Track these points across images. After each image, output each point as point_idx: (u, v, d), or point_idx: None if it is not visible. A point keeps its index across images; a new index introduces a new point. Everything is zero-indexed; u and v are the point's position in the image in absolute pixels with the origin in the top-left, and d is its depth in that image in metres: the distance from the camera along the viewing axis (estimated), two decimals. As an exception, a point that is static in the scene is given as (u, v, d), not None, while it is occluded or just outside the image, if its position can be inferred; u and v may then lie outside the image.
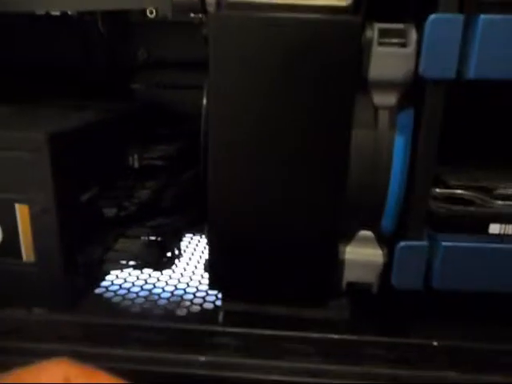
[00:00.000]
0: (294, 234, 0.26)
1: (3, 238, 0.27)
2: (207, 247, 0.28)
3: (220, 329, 0.26)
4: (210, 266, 0.28)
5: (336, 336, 0.25)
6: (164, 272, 0.35)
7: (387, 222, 0.25)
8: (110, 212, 0.32)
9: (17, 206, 0.26)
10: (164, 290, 0.33)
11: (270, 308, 0.29)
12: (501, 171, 0.28)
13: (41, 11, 0.27)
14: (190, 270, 0.36)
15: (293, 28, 0.22)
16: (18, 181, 0.26)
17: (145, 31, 0.44)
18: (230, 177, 0.25)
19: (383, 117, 0.24)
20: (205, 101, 0.26)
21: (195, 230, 0.42)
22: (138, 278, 0.34)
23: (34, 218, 0.26)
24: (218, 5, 0.23)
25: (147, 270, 0.35)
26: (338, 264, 0.26)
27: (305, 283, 0.28)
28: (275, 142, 0.24)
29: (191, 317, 0.30)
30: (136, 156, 0.37)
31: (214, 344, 0.25)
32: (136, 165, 0.37)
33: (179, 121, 0.43)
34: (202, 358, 0.23)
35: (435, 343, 0.22)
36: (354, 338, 0.24)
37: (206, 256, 0.29)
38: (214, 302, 0.31)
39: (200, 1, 0.25)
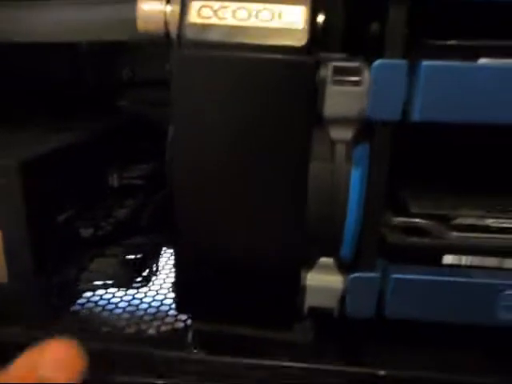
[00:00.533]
0: (258, 260, 0.27)
1: (-22, 261, 0.28)
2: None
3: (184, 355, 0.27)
4: (176, 289, 0.29)
5: (294, 364, 0.25)
6: (140, 290, 0.36)
7: (346, 251, 0.26)
8: (86, 232, 0.33)
9: (-9, 230, 0.27)
10: (138, 309, 0.34)
11: (237, 329, 0.30)
12: (469, 195, 0.29)
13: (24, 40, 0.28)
14: (166, 287, 0.37)
15: (252, 67, 0.23)
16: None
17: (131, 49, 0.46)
18: (195, 203, 0.26)
19: (340, 150, 0.24)
20: (170, 131, 0.27)
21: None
22: (113, 296, 0.35)
23: (7, 244, 0.27)
24: (179, 42, 0.24)
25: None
26: (300, 290, 0.27)
27: (270, 306, 0.28)
28: (237, 174, 0.25)
29: (159, 338, 0.31)
30: (115, 175, 0.38)
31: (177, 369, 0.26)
32: (115, 184, 0.38)
33: (162, 137, 0.44)
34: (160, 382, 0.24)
35: (382, 372, 0.23)
36: (313, 366, 0.25)
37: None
38: (185, 322, 0.32)
39: (164, 35, 0.26)
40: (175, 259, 0.28)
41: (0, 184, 0.26)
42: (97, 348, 0.27)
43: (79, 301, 0.34)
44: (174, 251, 0.28)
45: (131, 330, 0.31)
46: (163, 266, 0.40)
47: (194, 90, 0.24)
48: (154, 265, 0.37)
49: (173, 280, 0.38)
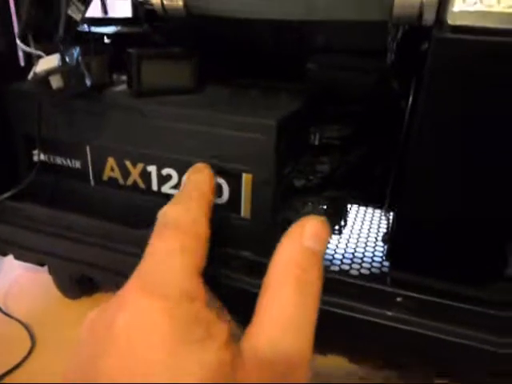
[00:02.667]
0: (475, 227, 0.30)
1: (229, 197, 0.35)
2: (386, 222, 0.33)
3: (393, 290, 0.32)
4: (391, 240, 0.33)
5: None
6: (334, 237, 0.41)
7: None
8: (299, 183, 0.39)
9: (244, 175, 0.34)
10: (336, 252, 0.40)
11: (433, 281, 0.34)
12: None
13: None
14: (354, 238, 0.42)
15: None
16: (247, 155, 0.33)
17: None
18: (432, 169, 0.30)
19: None
20: (410, 103, 0.30)
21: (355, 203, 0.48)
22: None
23: (255, 186, 0.34)
24: (440, 25, 0.27)
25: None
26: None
27: (471, 265, 0.32)
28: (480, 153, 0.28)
29: (363, 277, 0.36)
30: (317, 135, 0.43)
31: (394, 302, 0.31)
32: (316, 142, 0.43)
33: (348, 101, 0.48)
34: (389, 313, 0.29)
35: None
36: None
37: (366, 225, 0.34)
38: (380, 268, 0.37)
39: (417, 18, 0.29)
40: (396, 216, 0.33)
41: (259, 138, 0.32)
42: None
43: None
44: (397, 209, 0.32)
45: (335, 268, 0.37)
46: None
47: (452, 76, 0.27)
48: (345, 217, 0.42)
49: (372, 232, 0.44)
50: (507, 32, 0.25)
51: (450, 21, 0.26)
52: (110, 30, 0.49)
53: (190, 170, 0.30)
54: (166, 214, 0.26)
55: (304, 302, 0.21)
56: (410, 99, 0.33)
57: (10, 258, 0.42)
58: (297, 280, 0.22)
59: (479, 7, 0.26)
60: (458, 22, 0.26)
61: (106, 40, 0.48)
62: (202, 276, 0.23)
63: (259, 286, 0.32)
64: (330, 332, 0.25)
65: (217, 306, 0.24)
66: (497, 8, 0.25)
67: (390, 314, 0.30)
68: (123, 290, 0.21)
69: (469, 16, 0.26)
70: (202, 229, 0.25)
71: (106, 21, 0.53)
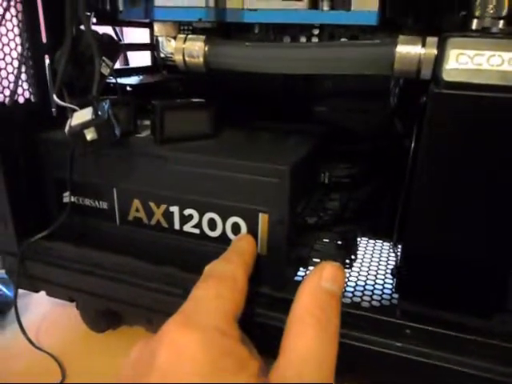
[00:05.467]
0: (479, 261, 0.32)
1: (247, 235, 0.38)
2: (394, 255, 0.36)
3: (402, 322, 0.34)
4: (399, 273, 0.36)
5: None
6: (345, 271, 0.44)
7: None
8: (311, 220, 0.42)
9: (260, 214, 0.37)
10: (347, 285, 0.42)
11: (441, 313, 0.36)
12: None
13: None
14: (364, 271, 0.44)
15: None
16: (262, 197, 0.36)
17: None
18: (432, 212, 0.33)
19: None
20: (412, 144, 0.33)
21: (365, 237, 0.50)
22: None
23: (271, 225, 0.37)
24: (436, 81, 0.30)
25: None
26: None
27: (475, 296, 0.34)
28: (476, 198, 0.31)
29: (374, 309, 0.38)
30: (327, 174, 0.46)
31: (403, 334, 0.33)
32: (326, 181, 0.46)
33: (355, 140, 0.51)
34: (398, 344, 0.31)
35: None
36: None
37: (375, 258, 0.36)
38: (390, 300, 0.39)
39: (416, 73, 0.32)
40: (402, 250, 0.35)
41: (274, 182, 0.35)
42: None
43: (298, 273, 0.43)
44: (403, 243, 0.35)
45: (347, 301, 0.39)
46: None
47: (448, 125, 0.30)
48: (355, 250, 0.45)
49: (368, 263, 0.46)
50: (496, 88, 0.28)
51: (445, 77, 0.29)
52: (134, 80, 0.53)
53: (237, 238, 0.37)
54: (209, 268, 0.31)
55: (325, 338, 0.24)
56: (413, 142, 0.36)
57: (41, 294, 0.44)
58: (318, 319, 0.24)
59: (471, 65, 0.29)
60: (452, 79, 0.29)
61: (128, 88, 0.52)
62: (236, 321, 0.26)
63: (278, 319, 0.35)
64: (343, 363, 0.27)
65: (249, 347, 0.27)
66: (486, 66, 0.28)
67: (399, 345, 0.32)
68: (163, 327, 0.24)
69: (462, 73, 0.29)
70: (239, 282, 0.29)
71: (127, 71, 0.57)
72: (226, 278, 0.29)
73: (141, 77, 0.55)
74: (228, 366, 0.22)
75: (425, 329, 0.33)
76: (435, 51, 0.31)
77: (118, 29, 0.60)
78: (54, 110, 0.46)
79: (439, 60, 0.30)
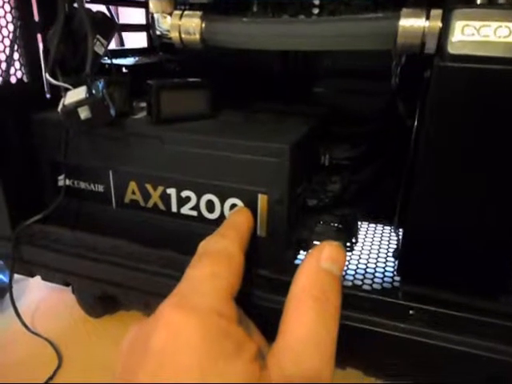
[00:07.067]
0: (484, 240, 0.32)
1: (246, 217, 0.37)
2: (396, 237, 0.35)
3: (405, 303, 0.34)
4: (401, 255, 0.35)
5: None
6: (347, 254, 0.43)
7: None
8: (311, 202, 0.41)
9: (259, 195, 0.36)
10: (348, 268, 0.41)
11: (446, 294, 0.35)
12: None
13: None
14: (365, 253, 0.44)
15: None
16: (262, 177, 0.35)
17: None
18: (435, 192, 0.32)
19: None
20: (415, 124, 0.32)
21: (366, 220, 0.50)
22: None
23: (270, 206, 0.36)
24: (441, 54, 0.29)
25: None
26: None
27: (481, 276, 0.33)
28: (478, 178, 0.30)
29: (376, 291, 0.37)
30: (327, 156, 0.45)
31: (407, 315, 0.32)
32: (326, 163, 0.45)
33: (356, 122, 0.50)
34: (402, 325, 0.31)
35: None
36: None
37: (376, 242, 0.35)
38: (391, 283, 0.39)
39: (420, 47, 0.31)
40: (404, 231, 0.34)
41: (274, 161, 0.34)
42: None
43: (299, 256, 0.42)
44: (405, 225, 0.34)
45: (348, 283, 0.39)
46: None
47: (453, 100, 0.29)
48: (356, 234, 0.44)
49: (383, 248, 0.45)
50: (503, 60, 0.27)
51: (450, 50, 0.28)
52: (130, 61, 0.51)
53: (232, 211, 0.36)
54: (204, 245, 0.30)
55: (324, 320, 0.23)
56: (416, 121, 0.35)
57: (36, 278, 0.44)
58: (317, 300, 0.24)
59: (477, 37, 0.28)
60: (458, 51, 0.28)
61: (125, 70, 0.51)
62: (233, 299, 0.25)
63: (278, 302, 0.34)
64: (345, 345, 0.26)
65: (248, 326, 0.26)
66: (493, 38, 0.27)
67: (402, 326, 0.31)
68: (159, 308, 0.23)
69: (468, 45, 0.28)
70: (235, 259, 0.28)
71: (123, 52, 0.56)
72: (222, 255, 0.28)
73: (137, 58, 0.54)
74: (225, 349, 0.21)
75: (428, 309, 0.33)
76: (440, 24, 0.30)
77: (113, 10, 0.58)
78: (47, 90, 0.45)
79: (444, 32, 0.29)
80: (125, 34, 0.65)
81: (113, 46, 0.58)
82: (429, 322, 0.32)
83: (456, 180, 0.31)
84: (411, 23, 0.31)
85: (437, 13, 0.30)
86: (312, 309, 0.24)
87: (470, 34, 0.28)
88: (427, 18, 0.30)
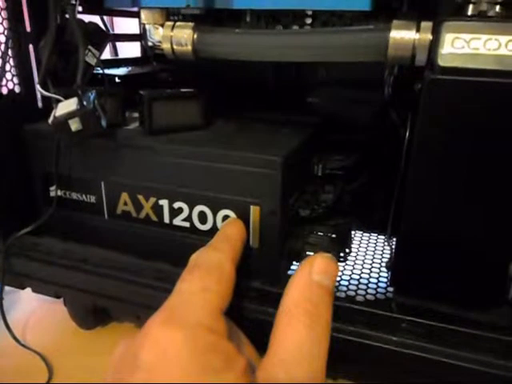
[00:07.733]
0: (476, 252, 0.32)
1: (238, 228, 0.37)
2: (388, 248, 0.35)
3: (398, 316, 0.34)
4: (394, 267, 0.35)
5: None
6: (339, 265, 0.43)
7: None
8: (304, 212, 0.41)
9: (252, 207, 0.36)
10: (341, 279, 0.41)
11: (439, 306, 0.35)
12: None
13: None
14: (359, 264, 0.43)
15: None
16: (255, 188, 0.35)
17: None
18: (429, 203, 0.32)
19: None
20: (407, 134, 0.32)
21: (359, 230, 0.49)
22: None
23: (263, 217, 0.36)
24: (432, 66, 0.29)
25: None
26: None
27: (474, 288, 0.33)
28: (474, 188, 0.30)
29: (369, 303, 0.37)
30: (320, 166, 0.45)
31: (399, 328, 0.32)
32: (319, 173, 0.45)
33: (349, 131, 0.50)
34: (394, 338, 0.30)
35: None
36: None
37: (370, 252, 0.35)
38: (385, 294, 0.38)
39: (410, 59, 0.31)
40: (397, 242, 0.34)
41: (267, 173, 0.34)
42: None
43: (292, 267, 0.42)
44: (398, 236, 0.34)
45: (341, 295, 0.38)
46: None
47: (444, 112, 0.29)
48: (349, 244, 0.44)
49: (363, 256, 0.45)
50: (493, 72, 0.27)
51: (441, 62, 0.28)
52: (122, 71, 0.51)
53: (225, 223, 0.35)
54: (195, 258, 0.29)
55: (315, 333, 0.23)
56: (408, 131, 0.35)
57: (27, 290, 0.43)
58: (308, 314, 0.23)
59: (467, 50, 0.28)
60: (448, 64, 0.28)
61: (117, 80, 0.51)
62: (223, 313, 0.25)
63: (271, 314, 0.34)
64: (337, 357, 0.26)
65: (239, 338, 0.26)
66: (483, 50, 0.27)
67: (395, 339, 0.31)
68: (147, 324, 0.23)
69: (458, 58, 0.28)
70: (226, 272, 0.28)
71: (116, 62, 0.56)
72: (213, 268, 0.27)
73: (130, 68, 0.54)
74: (214, 364, 0.21)
75: (421, 322, 0.33)
76: (430, 36, 0.30)
77: (107, 20, 0.58)
78: (39, 101, 0.45)
79: (434, 45, 0.29)
80: (120, 44, 0.65)
81: (107, 55, 0.58)
82: (421, 334, 0.31)
83: (448, 191, 0.31)
84: (402, 35, 0.31)
85: (427, 25, 0.30)
86: (303, 322, 0.23)
87: (460, 46, 0.28)
88: (417, 30, 0.30)
